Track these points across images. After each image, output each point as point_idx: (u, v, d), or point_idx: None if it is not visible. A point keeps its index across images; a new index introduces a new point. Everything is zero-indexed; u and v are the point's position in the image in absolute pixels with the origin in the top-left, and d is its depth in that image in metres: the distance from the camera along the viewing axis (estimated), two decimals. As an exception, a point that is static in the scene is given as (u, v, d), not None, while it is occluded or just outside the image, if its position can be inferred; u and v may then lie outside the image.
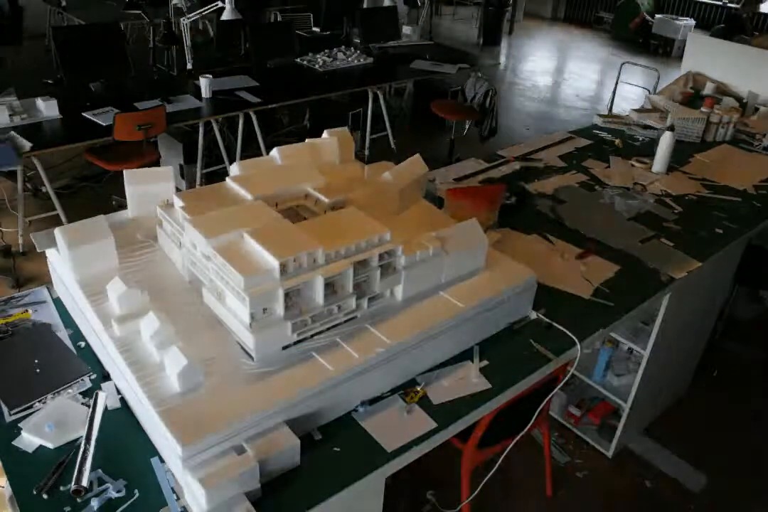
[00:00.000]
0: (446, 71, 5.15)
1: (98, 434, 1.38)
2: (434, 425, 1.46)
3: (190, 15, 4.51)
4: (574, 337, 1.74)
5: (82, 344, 1.65)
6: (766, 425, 2.95)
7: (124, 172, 1.76)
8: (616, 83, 5.70)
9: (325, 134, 1.99)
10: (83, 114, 3.70)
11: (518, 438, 1.90)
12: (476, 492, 1.88)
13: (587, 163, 2.87)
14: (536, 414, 1.84)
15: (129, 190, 1.76)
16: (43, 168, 3.58)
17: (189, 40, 4.41)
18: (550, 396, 1.91)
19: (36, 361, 1.58)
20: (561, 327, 1.77)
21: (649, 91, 5.55)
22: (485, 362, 1.65)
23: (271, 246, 1.38)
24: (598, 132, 3.28)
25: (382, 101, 5.14)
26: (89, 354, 1.61)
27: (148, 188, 1.75)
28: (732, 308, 3.30)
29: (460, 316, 1.58)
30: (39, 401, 1.46)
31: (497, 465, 1.76)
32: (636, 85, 5.98)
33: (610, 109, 5.72)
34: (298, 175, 1.76)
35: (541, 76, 8.21)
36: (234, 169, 1.79)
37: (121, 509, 1.25)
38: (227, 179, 1.75)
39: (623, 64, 5.70)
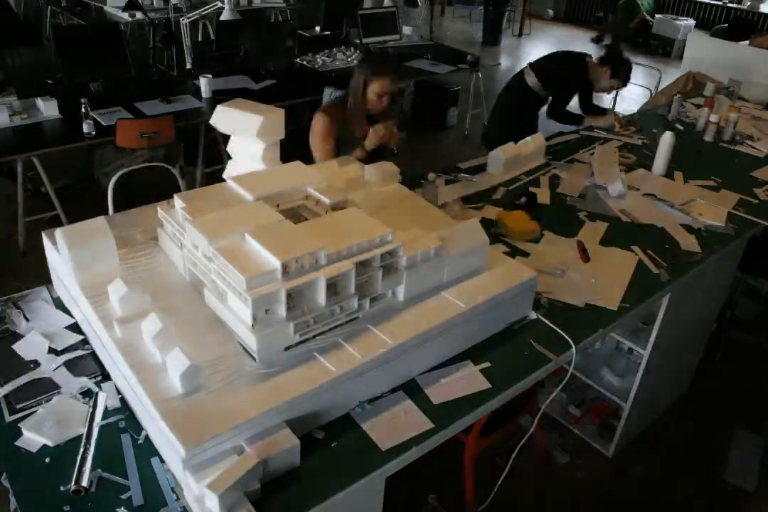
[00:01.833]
0: (444, 71, 5.16)
1: (98, 434, 1.39)
2: (434, 425, 1.46)
3: (190, 15, 4.51)
4: (569, 339, 1.74)
5: (82, 343, 1.65)
6: None
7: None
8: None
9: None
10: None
11: (517, 437, 1.90)
12: (485, 505, 1.89)
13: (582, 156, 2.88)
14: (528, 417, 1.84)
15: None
16: (43, 168, 3.58)
17: (188, 39, 4.42)
18: (540, 387, 1.91)
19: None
20: (557, 328, 1.77)
21: (650, 90, 5.55)
22: (485, 362, 1.65)
23: (272, 246, 1.38)
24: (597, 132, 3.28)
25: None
26: (89, 355, 1.62)
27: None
28: (733, 307, 3.30)
29: (461, 316, 1.58)
30: (45, 399, 1.47)
31: (504, 474, 1.76)
32: (638, 85, 5.97)
33: (613, 109, 5.72)
34: (298, 176, 1.77)
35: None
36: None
37: (120, 509, 1.25)
38: (228, 180, 1.75)
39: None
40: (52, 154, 3.57)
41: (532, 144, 2.82)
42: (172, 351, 1.30)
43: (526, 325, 1.79)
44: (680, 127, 3.43)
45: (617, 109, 5.43)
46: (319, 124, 2.70)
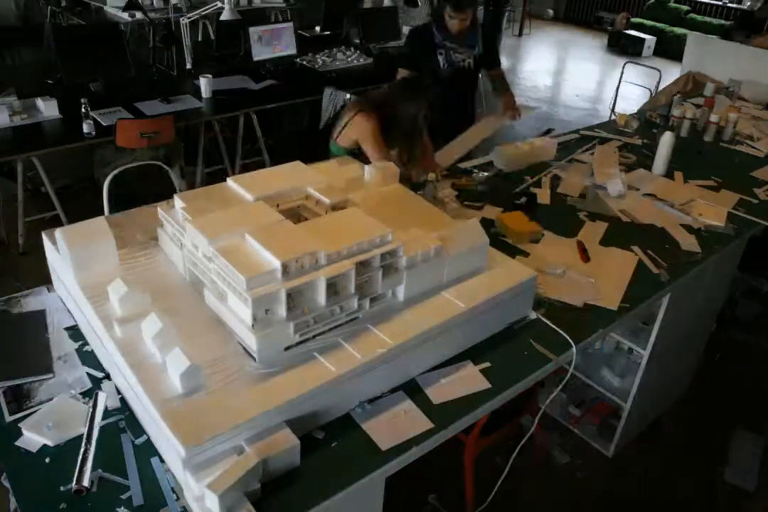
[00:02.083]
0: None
1: (98, 434, 1.39)
2: (434, 425, 1.46)
3: (190, 15, 4.51)
4: (570, 339, 1.74)
5: (82, 343, 1.65)
6: None
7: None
8: (619, 83, 5.69)
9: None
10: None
11: (517, 437, 1.90)
12: (485, 505, 1.89)
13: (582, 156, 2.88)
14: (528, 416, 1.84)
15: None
16: (43, 168, 3.58)
17: (188, 39, 4.42)
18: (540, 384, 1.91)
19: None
20: (557, 328, 1.77)
21: (650, 91, 5.55)
22: (485, 362, 1.65)
23: (272, 246, 1.38)
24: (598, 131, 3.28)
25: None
26: (89, 354, 1.62)
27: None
28: (733, 307, 3.30)
29: (461, 316, 1.58)
30: (45, 399, 1.47)
31: (504, 474, 1.77)
32: (638, 85, 5.97)
33: (613, 109, 5.72)
34: (298, 176, 1.77)
35: (541, 76, 8.21)
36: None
37: (120, 509, 1.25)
38: (228, 180, 1.75)
39: (626, 63, 5.70)
40: (52, 154, 3.57)
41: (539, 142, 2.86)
42: (172, 351, 1.30)
43: (526, 325, 1.79)
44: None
45: (617, 109, 5.43)
46: (367, 126, 2.55)
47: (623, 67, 5.68)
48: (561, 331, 1.75)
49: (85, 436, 1.36)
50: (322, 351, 1.42)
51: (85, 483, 1.27)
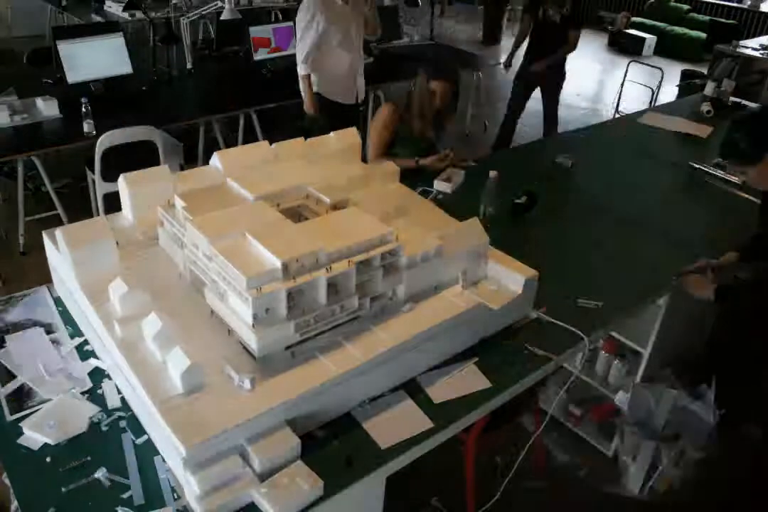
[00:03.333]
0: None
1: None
2: (434, 424, 1.46)
3: (190, 14, 4.51)
4: (580, 333, 1.74)
5: (82, 343, 1.65)
6: None
7: (121, 176, 1.73)
8: (623, 82, 5.69)
9: (332, 135, 1.99)
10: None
11: (517, 437, 1.90)
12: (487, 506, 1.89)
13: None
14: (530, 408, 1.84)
15: (128, 193, 1.72)
16: (44, 168, 3.58)
17: (189, 39, 4.42)
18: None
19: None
20: (566, 325, 1.77)
21: (652, 90, 5.55)
22: (486, 362, 1.65)
23: (273, 246, 1.38)
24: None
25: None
26: (88, 354, 1.62)
27: (148, 189, 1.72)
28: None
29: (462, 316, 1.58)
30: (46, 399, 1.47)
31: (510, 476, 1.76)
32: (640, 84, 5.96)
33: (617, 109, 5.72)
34: (299, 175, 1.77)
35: (541, 75, 8.18)
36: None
37: (121, 508, 1.25)
38: (228, 179, 1.75)
39: (630, 62, 5.70)
40: (52, 154, 3.56)
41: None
42: (173, 350, 1.30)
43: (526, 325, 1.79)
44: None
45: (620, 108, 5.43)
46: (383, 113, 2.75)
47: (627, 66, 5.67)
48: (570, 327, 1.75)
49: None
50: (323, 350, 1.42)
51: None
